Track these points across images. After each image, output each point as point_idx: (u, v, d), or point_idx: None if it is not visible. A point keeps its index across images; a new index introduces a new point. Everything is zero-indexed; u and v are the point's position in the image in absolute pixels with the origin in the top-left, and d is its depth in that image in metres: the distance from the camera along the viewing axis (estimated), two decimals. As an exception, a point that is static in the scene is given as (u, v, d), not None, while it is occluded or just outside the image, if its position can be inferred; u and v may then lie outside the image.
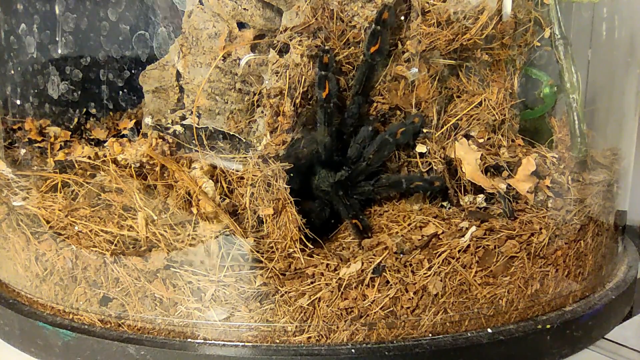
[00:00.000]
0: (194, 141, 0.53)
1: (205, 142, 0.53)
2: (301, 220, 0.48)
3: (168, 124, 0.57)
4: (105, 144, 0.57)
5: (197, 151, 0.53)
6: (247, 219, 0.49)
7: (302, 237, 0.48)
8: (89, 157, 0.54)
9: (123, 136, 0.62)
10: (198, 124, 0.54)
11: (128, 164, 0.53)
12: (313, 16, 0.50)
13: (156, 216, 0.49)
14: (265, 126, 0.51)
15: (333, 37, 0.50)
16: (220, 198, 0.50)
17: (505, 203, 0.52)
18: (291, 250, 0.48)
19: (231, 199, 0.50)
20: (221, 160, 0.52)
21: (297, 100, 0.50)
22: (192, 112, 0.55)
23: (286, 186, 0.48)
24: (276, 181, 0.48)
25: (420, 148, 0.53)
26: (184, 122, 0.55)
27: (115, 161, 0.53)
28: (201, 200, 0.49)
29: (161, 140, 0.54)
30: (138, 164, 0.53)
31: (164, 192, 0.51)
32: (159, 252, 0.48)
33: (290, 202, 0.48)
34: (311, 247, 0.49)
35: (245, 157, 0.51)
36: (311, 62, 0.50)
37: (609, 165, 0.60)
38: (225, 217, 0.48)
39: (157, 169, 0.52)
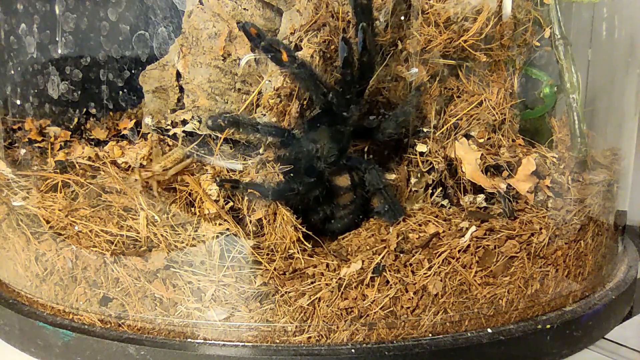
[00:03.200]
0: (195, 146, 0.53)
1: (211, 147, 0.53)
2: (297, 220, 0.48)
3: (168, 125, 0.56)
4: (105, 146, 0.57)
5: (200, 155, 0.53)
6: (247, 221, 0.49)
7: (301, 236, 0.48)
8: (89, 158, 0.54)
9: (123, 136, 0.62)
10: (199, 129, 0.54)
11: (129, 166, 0.53)
12: (315, 13, 0.50)
13: (158, 217, 0.49)
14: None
15: (335, 34, 0.50)
16: (224, 200, 0.50)
17: (505, 203, 0.52)
18: (291, 251, 0.48)
19: (234, 201, 0.50)
20: (224, 162, 0.52)
21: (305, 102, 0.50)
22: (193, 117, 0.55)
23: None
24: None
25: (421, 147, 0.53)
26: (185, 129, 0.55)
27: (115, 163, 0.53)
28: (205, 202, 0.49)
29: (162, 142, 0.54)
30: (138, 166, 0.53)
31: (165, 193, 0.51)
32: (159, 252, 0.48)
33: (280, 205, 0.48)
34: (309, 246, 0.49)
35: (246, 162, 0.51)
36: (322, 60, 0.50)
37: (609, 165, 0.60)
38: (228, 218, 0.48)
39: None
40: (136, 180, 0.50)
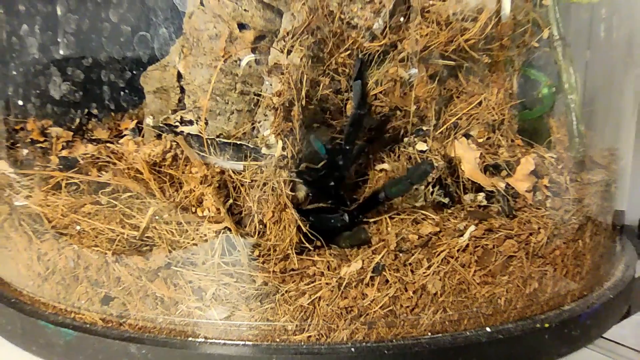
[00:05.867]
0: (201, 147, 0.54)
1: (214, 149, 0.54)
2: (301, 219, 0.49)
3: (177, 122, 0.56)
4: (120, 140, 0.57)
5: (204, 156, 0.53)
6: (252, 221, 0.49)
7: (302, 237, 0.48)
8: (94, 156, 0.54)
9: (123, 137, 0.62)
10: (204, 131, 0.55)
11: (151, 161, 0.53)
12: (309, 17, 0.50)
13: (167, 213, 0.49)
14: (272, 129, 0.51)
15: (329, 37, 0.51)
16: (224, 200, 0.50)
17: (505, 201, 0.52)
18: (289, 252, 0.48)
19: (238, 202, 0.50)
20: (228, 164, 0.52)
21: (303, 102, 0.51)
22: (199, 118, 0.55)
23: (289, 192, 0.48)
24: (280, 186, 0.48)
25: (421, 146, 0.54)
26: (191, 131, 0.55)
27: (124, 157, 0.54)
28: (206, 201, 0.50)
29: (175, 143, 0.54)
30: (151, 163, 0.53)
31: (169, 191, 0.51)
32: (160, 251, 0.48)
33: (289, 204, 0.48)
34: (310, 247, 0.49)
35: (258, 166, 0.51)
36: (309, 63, 0.50)
37: (607, 165, 0.60)
38: (227, 218, 0.48)
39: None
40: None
